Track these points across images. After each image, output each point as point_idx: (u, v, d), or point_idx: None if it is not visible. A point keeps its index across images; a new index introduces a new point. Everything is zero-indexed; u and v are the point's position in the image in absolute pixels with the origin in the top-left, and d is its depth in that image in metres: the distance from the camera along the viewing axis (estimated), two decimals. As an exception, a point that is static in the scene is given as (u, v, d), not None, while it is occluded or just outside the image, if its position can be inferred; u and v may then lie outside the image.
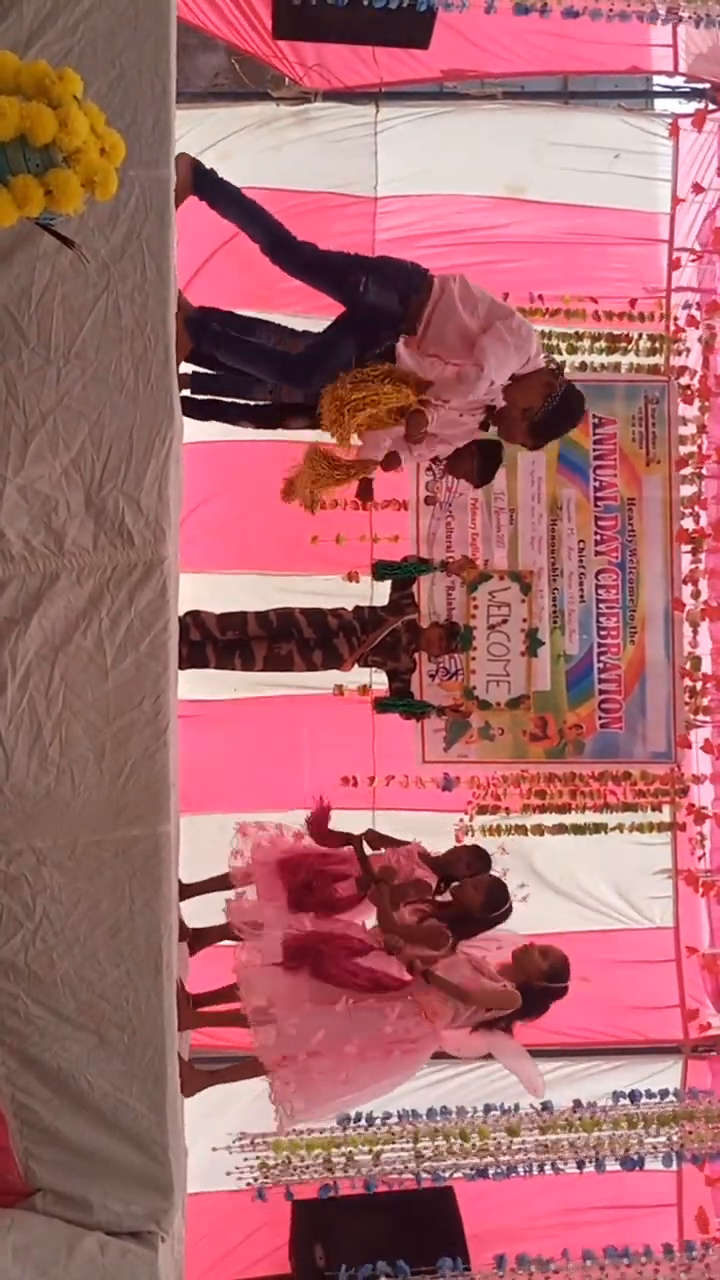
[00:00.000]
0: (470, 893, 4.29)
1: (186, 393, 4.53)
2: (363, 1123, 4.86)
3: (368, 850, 4.52)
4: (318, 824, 4.68)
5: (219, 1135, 4.81)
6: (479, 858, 4.70)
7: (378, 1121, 4.86)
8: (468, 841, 5.91)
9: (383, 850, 4.68)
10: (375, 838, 4.71)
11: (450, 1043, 4.16)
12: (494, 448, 4.88)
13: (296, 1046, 3.91)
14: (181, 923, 4.19)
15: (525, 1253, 4.25)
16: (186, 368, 4.41)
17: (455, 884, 4.47)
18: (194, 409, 4.65)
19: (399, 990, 4.04)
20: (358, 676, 5.92)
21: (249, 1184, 4.78)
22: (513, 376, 4.16)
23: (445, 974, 3.97)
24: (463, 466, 4.97)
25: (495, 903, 4.29)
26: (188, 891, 4.57)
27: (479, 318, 4.12)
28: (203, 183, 4.18)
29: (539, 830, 6.12)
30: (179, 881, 4.30)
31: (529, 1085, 4.25)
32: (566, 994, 4.17)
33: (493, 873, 4.52)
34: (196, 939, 4.60)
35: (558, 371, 4.27)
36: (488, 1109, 4.93)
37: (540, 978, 4.10)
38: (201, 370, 4.59)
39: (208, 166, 4.22)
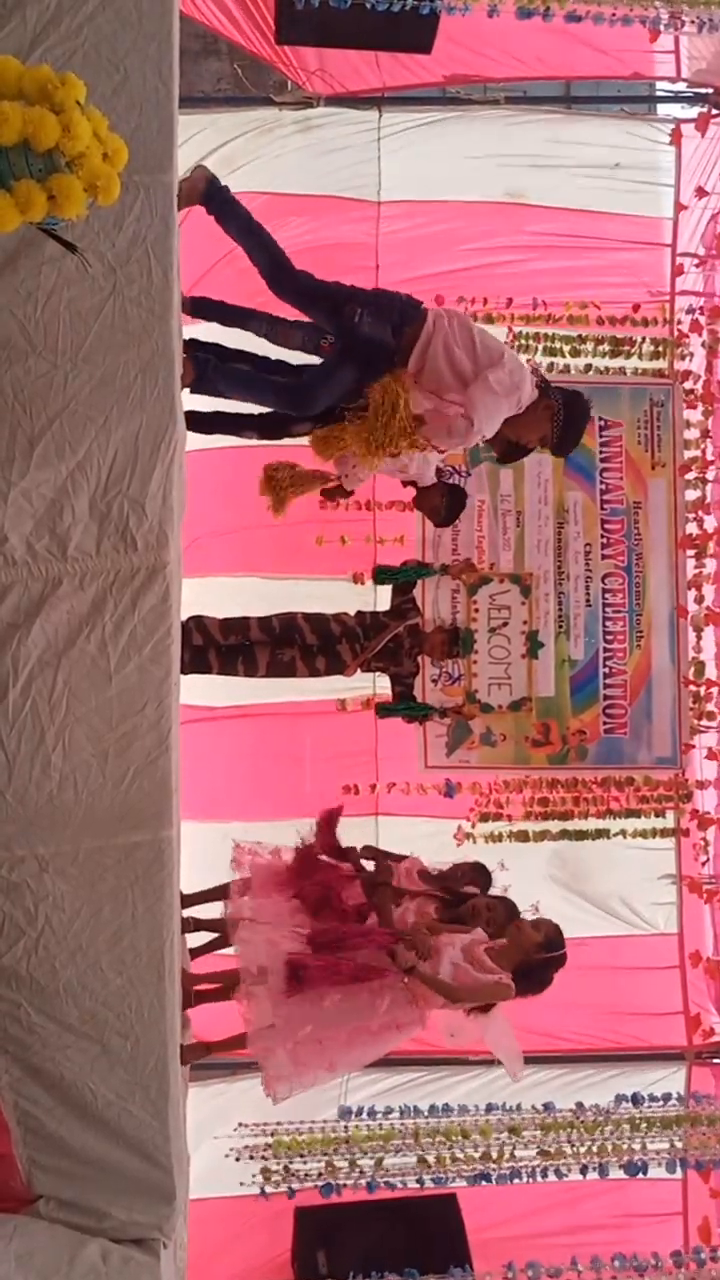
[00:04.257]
0: (529, 933, 4.13)
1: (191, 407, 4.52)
2: (364, 1117, 4.84)
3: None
4: (327, 825, 4.63)
5: (221, 1141, 4.80)
6: (480, 873, 4.66)
7: (379, 1116, 4.84)
8: (468, 848, 5.91)
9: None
10: (372, 853, 4.67)
11: (444, 1025, 4.13)
12: (460, 493, 5.42)
13: (284, 1038, 3.91)
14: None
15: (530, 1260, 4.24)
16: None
17: (468, 896, 4.40)
18: (198, 422, 4.64)
19: (384, 979, 3.98)
20: (360, 683, 5.91)
21: (253, 1177, 4.73)
22: (510, 419, 4.28)
23: (437, 958, 3.95)
24: (429, 502, 5.39)
25: (552, 945, 4.15)
26: (187, 901, 4.53)
27: (473, 359, 4.19)
28: (214, 197, 4.20)
29: (541, 836, 6.11)
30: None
31: (510, 1063, 4.23)
32: (566, 961, 4.12)
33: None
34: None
35: (551, 393, 4.36)
36: (489, 1108, 4.91)
37: (536, 950, 4.06)
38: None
39: (223, 184, 4.24)
